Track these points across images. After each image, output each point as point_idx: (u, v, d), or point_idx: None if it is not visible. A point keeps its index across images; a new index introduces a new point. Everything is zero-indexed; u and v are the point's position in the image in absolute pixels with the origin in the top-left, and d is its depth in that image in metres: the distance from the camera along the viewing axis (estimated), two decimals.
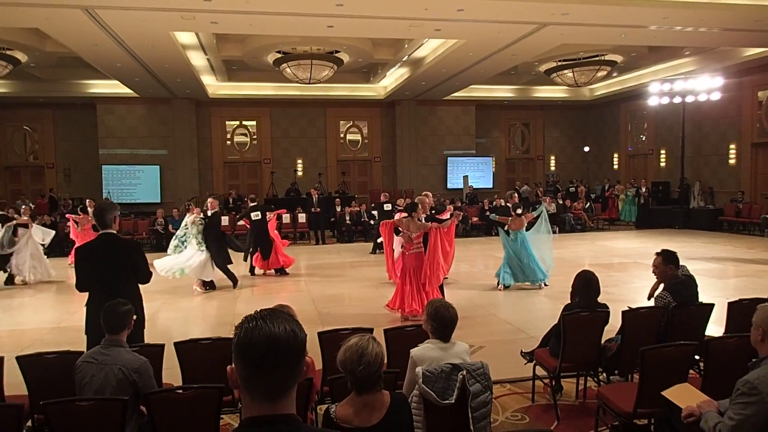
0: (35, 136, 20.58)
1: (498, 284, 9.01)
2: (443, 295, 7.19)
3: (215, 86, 19.38)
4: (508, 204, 9.87)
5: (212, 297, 9.14)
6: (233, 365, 1.33)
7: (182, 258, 9.28)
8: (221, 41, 15.03)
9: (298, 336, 1.31)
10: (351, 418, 2.39)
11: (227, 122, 21.37)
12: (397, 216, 8.60)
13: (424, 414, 2.96)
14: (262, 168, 21.55)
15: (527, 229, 9.17)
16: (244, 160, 21.66)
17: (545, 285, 9.01)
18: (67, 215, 13.69)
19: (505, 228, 9.11)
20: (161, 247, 15.22)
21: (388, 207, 13.44)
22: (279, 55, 15.39)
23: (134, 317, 3.55)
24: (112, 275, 4.14)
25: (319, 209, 16.22)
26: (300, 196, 19.03)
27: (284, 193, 19.89)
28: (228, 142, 21.46)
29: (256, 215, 10.87)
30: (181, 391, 3.09)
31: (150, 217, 16.50)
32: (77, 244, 12.24)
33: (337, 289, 9.49)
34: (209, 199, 10.33)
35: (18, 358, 3.61)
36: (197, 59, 15.67)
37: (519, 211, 9.07)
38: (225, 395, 3.23)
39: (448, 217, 8.34)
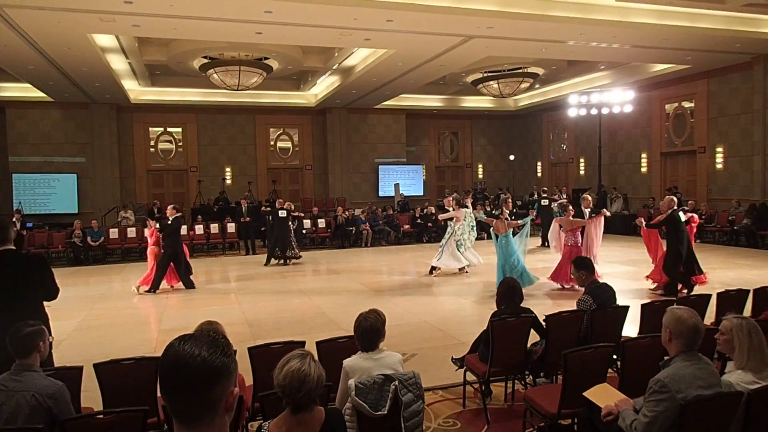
0: None
1: None
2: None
3: (137, 91, 18.60)
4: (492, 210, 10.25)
5: (138, 314, 8.75)
6: None
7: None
8: (144, 45, 14.48)
9: (206, 360, 1.25)
10: None
11: (151, 129, 20.55)
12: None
13: (357, 426, 2.96)
14: (188, 176, 20.87)
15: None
16: (169, 168, 20.89)
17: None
18: None
19: (491, 230, 9.35)
20: (79, 261, 14.43)
21: (283, 213, 13.23)
22: (205, 61, 14.99)
23: (51, 338, 3.34)
24: (14, 294, 3.85)
25: (249, 218, 15.88)
26: (229, 205, 18.59)
27: (213, 202, 19.36)
28: (152, 150, 20.63)
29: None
30: (101, 416, 2.93)
31: (66, 229, 15.54)
32: None
33: (268, 299, 9.32)
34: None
35: None
36: (118, 63, 14.99)
37: (505, 216, 9.34)
38: (149, 417, 3.09)
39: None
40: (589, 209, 9.49)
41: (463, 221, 11.06)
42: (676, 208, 8.51)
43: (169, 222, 10.16)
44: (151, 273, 10.02)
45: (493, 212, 9.54)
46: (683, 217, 8.56)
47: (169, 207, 10.60)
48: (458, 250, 10.92)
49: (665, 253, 8.64)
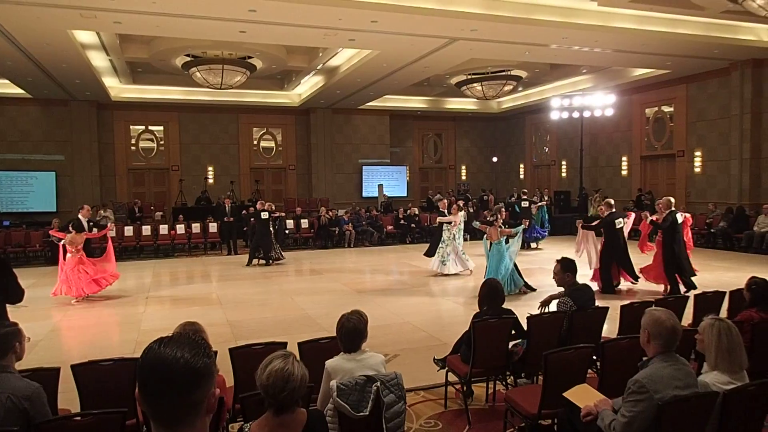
0: None
1: None
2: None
3: (118, 89, 18.36)
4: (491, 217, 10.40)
5: (118, 315, 8.63)
6: None
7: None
8: (125, 42, 14.28)
9: (189, 363, 1.25)
10: None
11: (132, 126, 20.30)
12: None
13: (338, 427, 2.95)
14: (169, 175, 20.65)
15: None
16: (150, 167, 20.65)
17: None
18: None
19: (485, 237, 9.44)
20: (57, 260, 14.14)
21: (265, 215, 13.17)
22: (188, 59, 14.83)
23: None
24: None
25: (232, 218, 15.75)
26: (211, 205, 18.43)
27: (194, 202, 19.18)
28: (133, 148, 20.38)
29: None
30: (79, 418, 2.88)
31: (44, 228, 15.28)
32: None
33: (250, 299, 9.26)
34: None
35: None
36: (98, 60, 14.78)
37: (498, 224, 9.45)
38: (128, 419, 3.05)
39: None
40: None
41: (459, 225, 11.15)
42: (674, 209, 8.64)
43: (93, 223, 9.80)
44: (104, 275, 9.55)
45: (489, 218, 9.70)
46: (680, 218, 8.70)
47: (86, 208, 10.19)
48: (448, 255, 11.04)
49: (662, 253, 8.74)
